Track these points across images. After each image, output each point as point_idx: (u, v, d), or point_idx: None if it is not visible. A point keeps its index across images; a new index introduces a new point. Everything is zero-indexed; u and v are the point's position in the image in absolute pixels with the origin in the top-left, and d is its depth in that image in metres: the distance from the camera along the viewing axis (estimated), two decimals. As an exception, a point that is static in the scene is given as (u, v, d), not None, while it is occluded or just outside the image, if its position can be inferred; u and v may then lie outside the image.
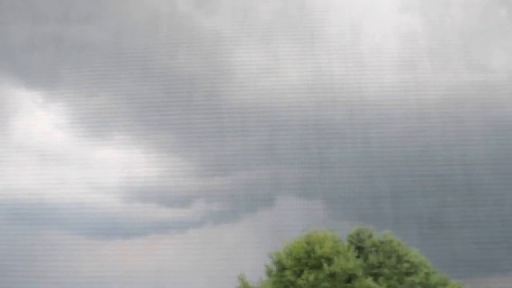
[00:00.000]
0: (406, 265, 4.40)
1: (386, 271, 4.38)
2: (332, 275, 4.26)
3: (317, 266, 4.30)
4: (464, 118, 5.24)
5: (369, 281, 4.29)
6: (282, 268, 4.43)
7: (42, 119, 6.34)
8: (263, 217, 5.45)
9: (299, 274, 4.34)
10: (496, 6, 6.19)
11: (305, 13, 6.33)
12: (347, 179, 5.07)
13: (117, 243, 5.57)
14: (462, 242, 4.89)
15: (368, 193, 4.99)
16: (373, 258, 4.45)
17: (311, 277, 4.25)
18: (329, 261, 4.28)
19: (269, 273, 4.53)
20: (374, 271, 4.40)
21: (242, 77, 6.10)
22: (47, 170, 5.90)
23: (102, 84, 6.34)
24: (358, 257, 4.43)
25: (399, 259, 4.44)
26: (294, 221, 5.09)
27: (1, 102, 6.41)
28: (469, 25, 6.00)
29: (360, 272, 4.31)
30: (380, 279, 4.35)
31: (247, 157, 5.59)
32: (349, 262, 4.29)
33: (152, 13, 6.74)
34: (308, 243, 4.48)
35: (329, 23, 6.16)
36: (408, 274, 4.40)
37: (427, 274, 4.41)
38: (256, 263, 4.64)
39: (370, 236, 4.69)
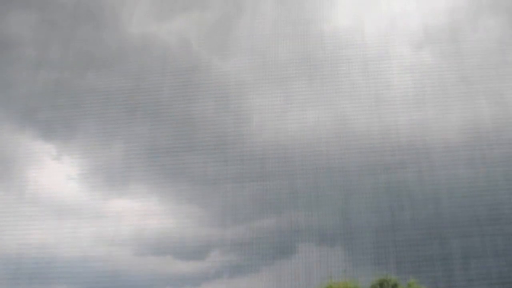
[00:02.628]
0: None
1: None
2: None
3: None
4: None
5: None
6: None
7: (55, 172, 6.42)
8: (282, 267, 5.40)
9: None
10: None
11: (325, 53, 6.44)
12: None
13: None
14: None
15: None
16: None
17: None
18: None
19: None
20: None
21: (259, 121, 6.15)
22: (59, 223, 5.97)
23: (116, 133, 6.41)
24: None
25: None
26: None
27: (16, 154, 6.53)
28: None
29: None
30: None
31: (264, 205, 5.61)
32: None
33: (168, 57, 6.85)
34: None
35: (352, 62, 6.29)
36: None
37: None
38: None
39: (394, 285, 4.75)
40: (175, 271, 5.65)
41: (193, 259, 5.70)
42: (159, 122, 6.35)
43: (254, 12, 7.09)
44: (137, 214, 5.87)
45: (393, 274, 5.04)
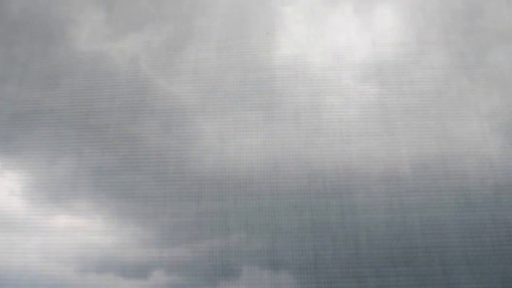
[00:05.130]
0: None
1: None
2: None
3: None
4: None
5: None
6: None
7: (-2, 187, 6.43)
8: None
9: None
10: (457, 76, 6.64)
11: (269, 82, 6.42)
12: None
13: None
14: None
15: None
16: None
17: None
18: None
19: None
20: None
21: (204, 145, 6.12)
22: (1, 238, 5.71)
23: (61, 151, 6.29)
24: None
25: None
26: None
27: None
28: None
29: None
30: None
31: (209, 226, 5.52)
32: None
33: (117, 78, 6.74)
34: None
35: (298, 94, 6.44)
36: None
37: None
38: None
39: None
40: (118, 290, 5.82)
41: (136, 278, 5.59)
42: (105, 141, 6.37)
43: (203, 38, 7.22)
44: (81, 231, 5.83)
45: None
